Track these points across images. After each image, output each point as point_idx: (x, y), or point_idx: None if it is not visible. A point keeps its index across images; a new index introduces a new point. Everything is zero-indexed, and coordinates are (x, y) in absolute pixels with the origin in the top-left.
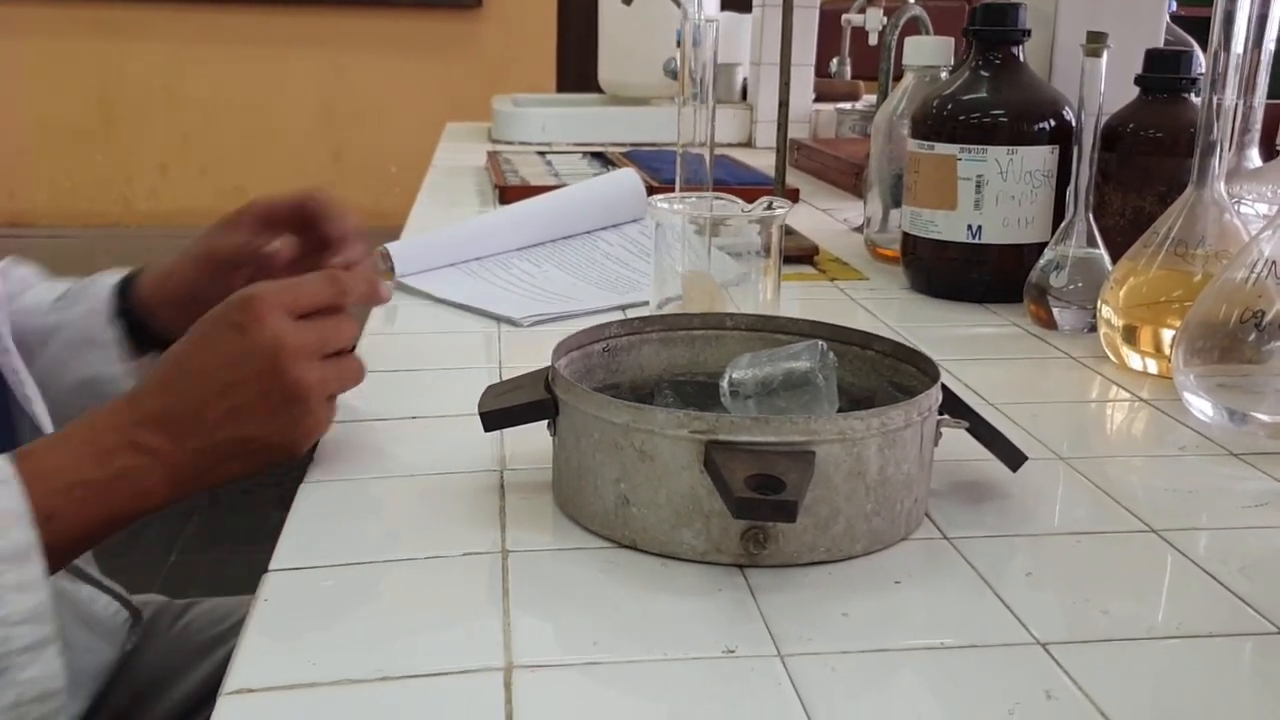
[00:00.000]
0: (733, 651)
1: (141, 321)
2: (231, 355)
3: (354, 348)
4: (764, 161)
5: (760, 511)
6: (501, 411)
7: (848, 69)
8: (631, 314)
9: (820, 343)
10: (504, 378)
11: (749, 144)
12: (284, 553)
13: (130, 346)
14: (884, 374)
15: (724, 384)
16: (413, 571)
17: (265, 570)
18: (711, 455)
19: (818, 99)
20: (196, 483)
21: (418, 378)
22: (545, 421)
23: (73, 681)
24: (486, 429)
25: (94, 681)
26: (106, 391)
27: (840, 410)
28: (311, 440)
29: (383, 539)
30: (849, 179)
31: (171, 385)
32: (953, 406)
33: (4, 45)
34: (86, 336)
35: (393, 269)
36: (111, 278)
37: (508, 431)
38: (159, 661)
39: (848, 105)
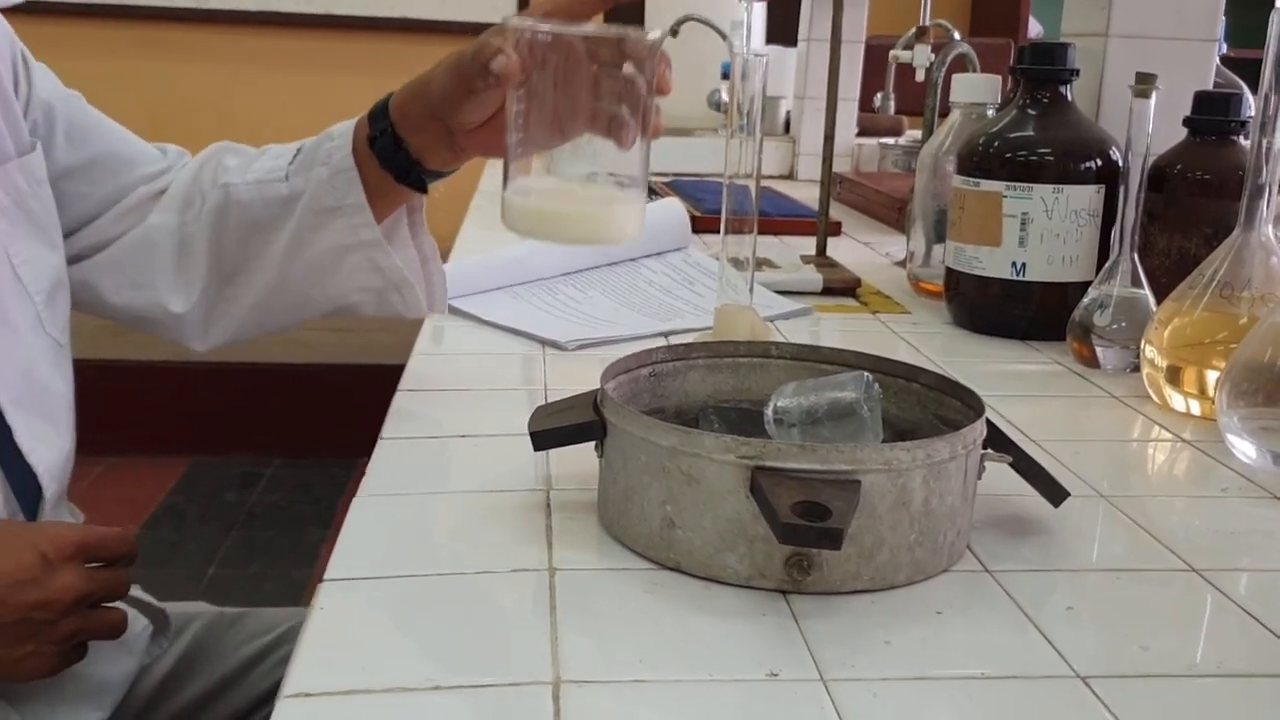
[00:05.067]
0: (776, 675)
1: (399, 142)
2: (19, 578)
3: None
4: (805, 194)
5: (806, 538)
6: (551, 432)
7: (891, 104)
8: (674, 341)
9: (866, 374)
10: (549, 399)
11: (791, 176)
12: (338, 563)
13: (390, 175)
14: (928, 407)
15: (769, 412)
16: (462, 585)
17: (302, 585)
18: (758, 481)
19: (861, 133)
20: None
21: (466, 397)
22: (593, 443)
23: (91, 691)
24: (536, 448)
25: (114, 691)
26: (357, 260)
27: (884, 442)
28: (29, 679)
29: (433, 553)
30: (891, 213)
31: None
32: (996, 441)
33: (55, 64)
34: (327, 204)
35: None
36: (343, 130)
37: (553, 451)
38: (210, 670)
39: (891, 140)
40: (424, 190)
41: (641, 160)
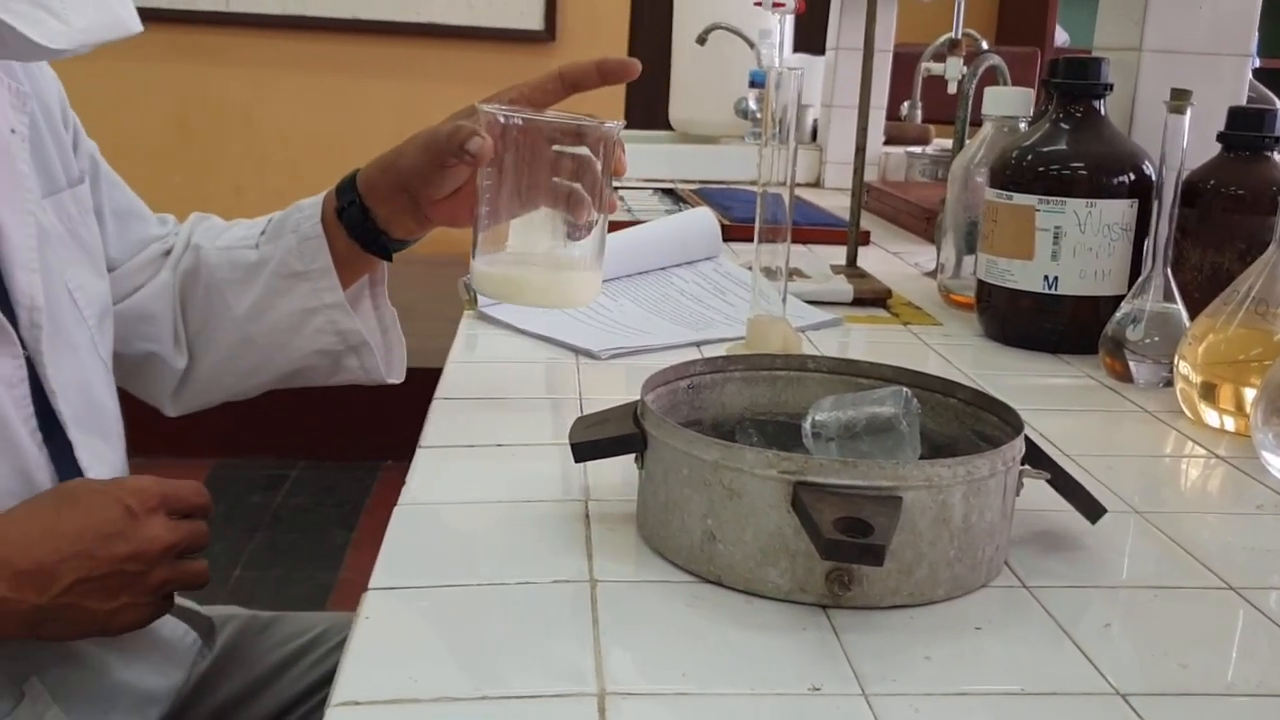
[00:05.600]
0: (818, 689)
1: (366, 212)
2: (107, 531)
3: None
4: (832, 202)
5: (848, 554)
6: (592, 444)
7: (919, 112)
8: (707, 351)
9: (905, 389)
10: (583, 409)
11: (818, 184)
12: (382, 572)
13: (357, 243)
14: (966, 422)
15: (807, 425)
16: (504, 596)
17: (327, 587)
18: (800, 496)
19: (888, 141)
20: (7, 634)
21: (501, 406)
22: (632, 454)
23: (139, 703)
24: (577, 460)
25: (160, 703)
26: (319, 323)
27: (922, 457)
28: (124, 630)
29: (474, 563)
30: (920, 222)
31: (35, 537)
32: (1033, 457)
33: (87, 65)
34: (294, 269)
35: (475, 299)
36: (312, 202)
37: (590, 462)
38: (241, 674)
39: (918, 149)
40: (389, 258)
41: (597, 233)
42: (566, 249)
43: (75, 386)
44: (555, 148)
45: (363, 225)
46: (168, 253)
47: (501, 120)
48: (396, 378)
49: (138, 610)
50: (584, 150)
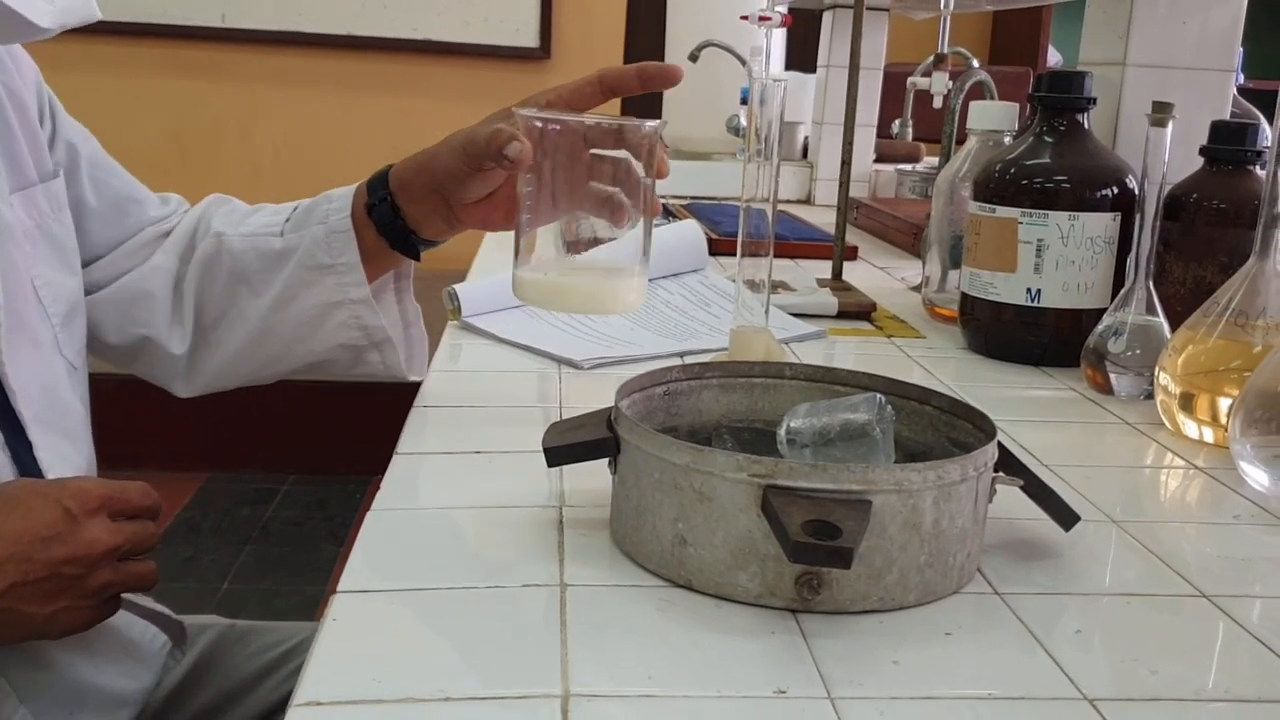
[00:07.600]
0: (784, 692)
1: (397, 210)
2: (44, 534)
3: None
4: (822, 219)
5: (816, 556)
6: (564, 448)
7: (909, 130)
8: (690, 361)
9: (879, 396)
10: (564, 417)
11: (808, 201)
12: (351, 576)
13: (385, 241)
14: (940, 429)
15: (781, 432)
16: (474, 599)
17: (315, 600)
18: (769, 499)
19: (878, 159)
20: None
21: (481, 414)
22: (606, 460)
23: (108, 704)
24: (550, 464)
25: (130, 705)
26: (343, 317)
27: (896, 464)
28: (63, 634)
29: (445, 567)
30: (907, 238)
31: None
32: (1008, 464)
33: (85, 80)
34: (321, 262)
35: (459, 309)
36: (342, 194)
37: (567, 468)
38: (218, 682)
39: (908, 166)
40: (417, 257)
41: (641, 236)
42: (610, 254)
43: (37, 385)
44: (594, 150)
45: (392, 223)
46: (167, 234)
47: (539, 124)
48: (418, 374)
49: (79, 613)
50: (623, 153)
